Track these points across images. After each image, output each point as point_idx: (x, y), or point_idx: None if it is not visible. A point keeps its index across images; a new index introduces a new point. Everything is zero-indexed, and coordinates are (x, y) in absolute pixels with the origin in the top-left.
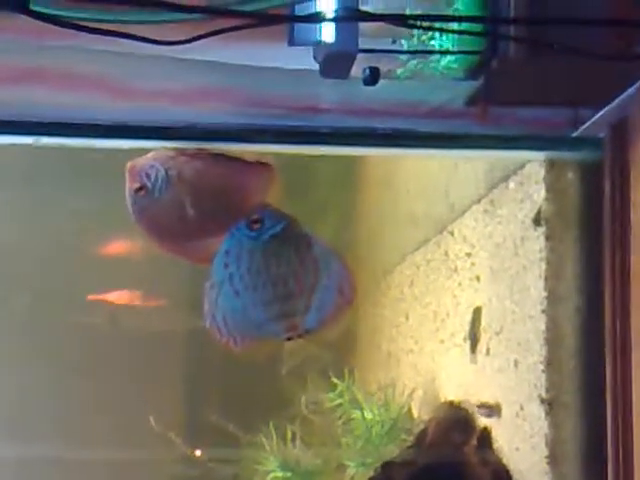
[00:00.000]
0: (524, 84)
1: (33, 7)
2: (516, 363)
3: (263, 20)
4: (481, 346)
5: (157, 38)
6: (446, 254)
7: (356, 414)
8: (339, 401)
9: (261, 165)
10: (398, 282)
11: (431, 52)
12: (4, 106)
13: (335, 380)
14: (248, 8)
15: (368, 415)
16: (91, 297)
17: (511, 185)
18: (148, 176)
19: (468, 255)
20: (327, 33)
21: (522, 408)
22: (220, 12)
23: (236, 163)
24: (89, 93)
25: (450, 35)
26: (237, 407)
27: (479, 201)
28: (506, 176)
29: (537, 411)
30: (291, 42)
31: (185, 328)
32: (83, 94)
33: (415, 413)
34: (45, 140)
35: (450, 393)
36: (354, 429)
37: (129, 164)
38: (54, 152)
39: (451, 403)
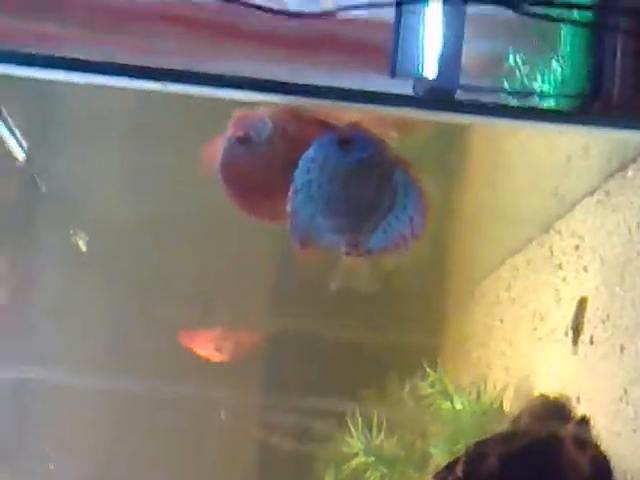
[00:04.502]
0: None
1: None
2: (622, 348)
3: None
4: (584, 336)
5: None
6: (550, 251)
7: (446, 404)
8: (430, 391)
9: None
10: (494, 287)
11: (533, 94)
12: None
13: (428, 370)
14: None
15: (458, 405)
16: (182, 339)
17: (629, 173)
18: (256, 129)
19: (576, 248)
20: (429, 68)
21: (626, 392)
22: None
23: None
24: None
25: (552, 77)
26: (326, 388)
27: (592, 193)
28: (624, 165)
29: None
30: (393, 74)
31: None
32: None
33: (506, 409)
34: (172, 87)
35: (546, 388)
36: (443, 418)
37: (238, 112)
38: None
39: (547, 395)
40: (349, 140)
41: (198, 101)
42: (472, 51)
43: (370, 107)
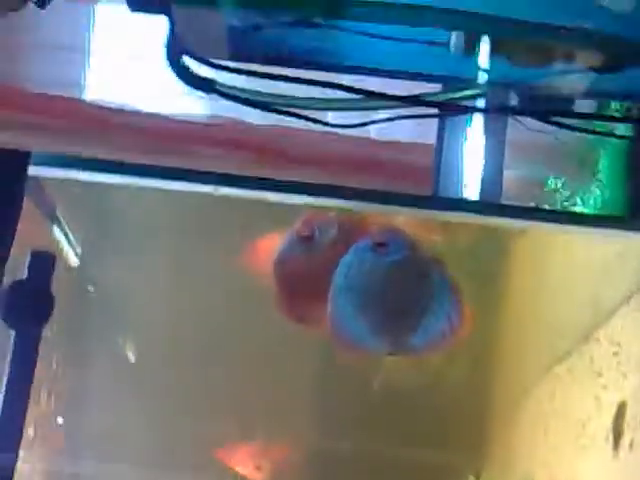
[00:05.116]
0: None
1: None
2: None
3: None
4: (624, 441)
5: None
6: (591, 359)
7: None
8: None
9: None
10: (538, 398)
11: (572, 219)
12: None
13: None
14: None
15: None
16: (220, 455)
17: None
18: (321, 231)
19: (615, 355)
20: (471, 190)
21: None
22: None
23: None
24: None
25: (592, 201)
26: None
27: (629, 300)
28: None
29: None
30: (435, 191)
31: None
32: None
33: None
34: (223, 190)
35: None
36: None
37: (308, 213)
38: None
39: None
40: (382, 243)
41: (250, 205)
42: (512, 175)
43: (417, 211)
